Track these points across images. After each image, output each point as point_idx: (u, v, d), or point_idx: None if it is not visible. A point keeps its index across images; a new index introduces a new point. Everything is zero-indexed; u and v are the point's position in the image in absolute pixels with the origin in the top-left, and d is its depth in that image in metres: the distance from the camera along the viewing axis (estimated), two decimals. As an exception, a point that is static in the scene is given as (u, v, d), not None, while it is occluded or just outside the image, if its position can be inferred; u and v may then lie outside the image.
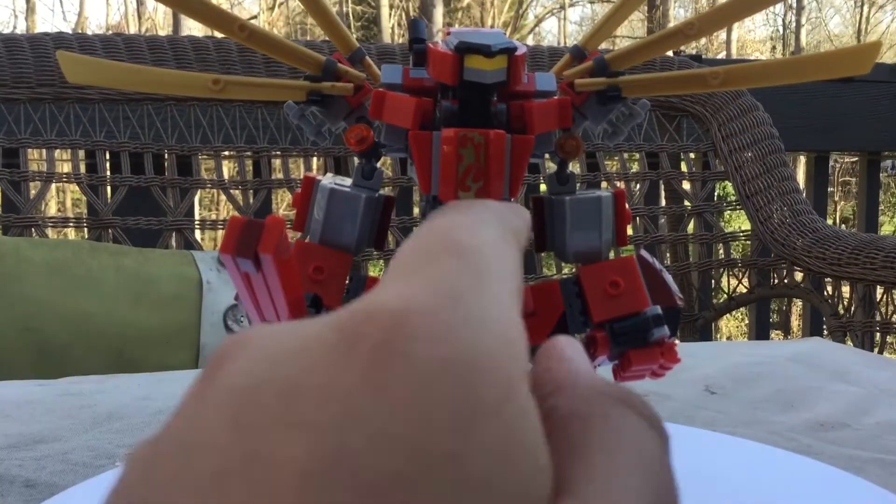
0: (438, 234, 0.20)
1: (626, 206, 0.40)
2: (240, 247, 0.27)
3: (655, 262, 0.39)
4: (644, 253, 0.40)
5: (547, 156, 0.40)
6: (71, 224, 1.43)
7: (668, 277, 0.39)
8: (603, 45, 0.42)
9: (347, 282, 0.39)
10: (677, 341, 0.39)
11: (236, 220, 0.27)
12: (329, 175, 0.41)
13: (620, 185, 1.56)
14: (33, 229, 1.31)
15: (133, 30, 9.98)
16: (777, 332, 4.68)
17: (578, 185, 1.68)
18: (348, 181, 0.40)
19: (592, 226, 0.39)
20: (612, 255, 0.40)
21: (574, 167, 1.61)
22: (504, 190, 0.36)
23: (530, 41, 11.56)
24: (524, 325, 0.21)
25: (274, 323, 0.19)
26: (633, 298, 0.38)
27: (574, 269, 0.40)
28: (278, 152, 1.43)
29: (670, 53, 2.68)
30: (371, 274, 0.40)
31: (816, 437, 0.64)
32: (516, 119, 0.37)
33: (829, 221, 1.55)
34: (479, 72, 0.35)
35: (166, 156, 1.41)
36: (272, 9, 11.10)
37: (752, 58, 10.84)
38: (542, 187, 1.52)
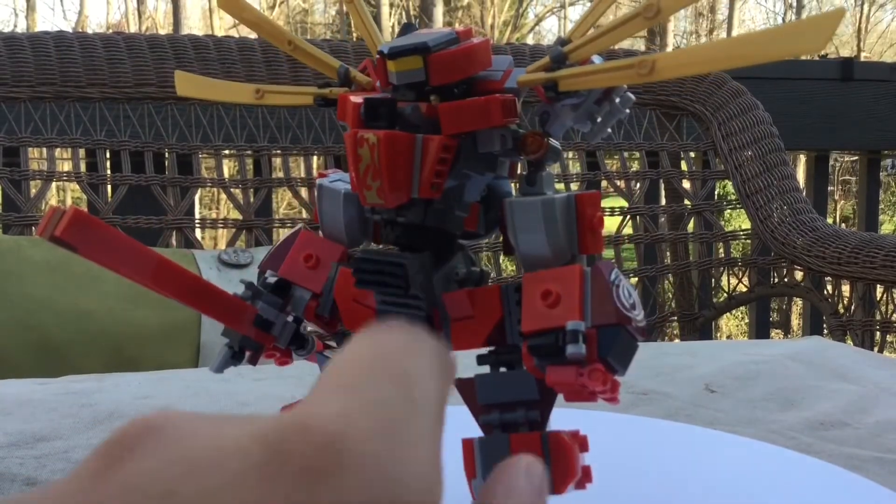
0: (379, 354, 0.20)
1: (594, 210, 0.37)
2: (44, 230, 0.33)
3: (612, 273, 0.35)
4: (603, 263, 0.36)
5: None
6: (71, 223, 1.42)
7: (622, 293, 0.35)
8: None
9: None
10: (617, 362, 0.34)
11: (50, 208, 0.33)
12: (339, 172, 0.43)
13: (620, 183, 1.56)
14: (34, 228, 1.31)
15: (133, 28, 9.98)
16: (777, 330, 4.68)
17: (578, 184, 1.65)
18: None
19: (534, 230, 0.37)
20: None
21: (574, 166, 1.61)
22: (410, 189, 0.36)
23: (530, 40, 11.55)
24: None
25: (191, 415, 0.17)
26: (563, 311, 0.35)
27: None
28: (278, 151, 1.43)
29: (670, 49, 2.68)
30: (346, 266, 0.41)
31: (816, 435, 0.64)
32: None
33: (829, 220, 1.55)
34: (392, 73, 0.37)
35: (167, 154, 1.41)
36: (273, 7, 11.10)
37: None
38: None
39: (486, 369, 0.39)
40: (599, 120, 0.38)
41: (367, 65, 0.42)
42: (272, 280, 0.41)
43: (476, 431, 0.43)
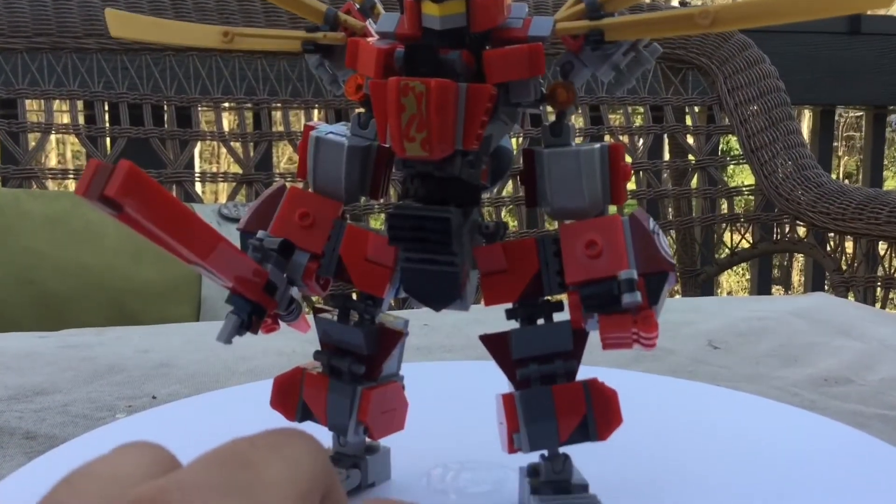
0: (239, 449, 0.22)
1: (624, 160, 0.37)
2: (89, 189, 0.28)
3: (650, 222, 0.36)
4: (639, 212, 0.37)
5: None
6: (70, 175, 1.42)
7: (662, 241, 0.36)
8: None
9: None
10: (658, 308, 0.35)
11: (91, 163, 0.28)
12: (334, 124, 0.41)
13: (624, 138, 1.54)
14: (33, 181, 1.30)
15: (131, -20, 9.87)
16: (778, 287, 4.69)
17: (581, 138, 1.65)
18: (347, 130, 0.40)
19: (572, 181, 0.37)
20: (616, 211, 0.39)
21: (577, 121, 1.60)
22: (455, 140, 0.34)
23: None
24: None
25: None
26: (610, 260, 0.35)
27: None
28: (279, 104, 1.42)
29: (675, 3, 2.64)
30: (354, 223, 0.39)
31: (820, 392, 0.64)
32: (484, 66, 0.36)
33: (833, 176, 1.53)
34: (431, 17, 0.35)
35: (165, 107, 1.39)
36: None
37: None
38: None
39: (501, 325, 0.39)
40: (625, 69, 0.37)
41: (350, 7, 0.40)
42: (269, 241, 0.38)
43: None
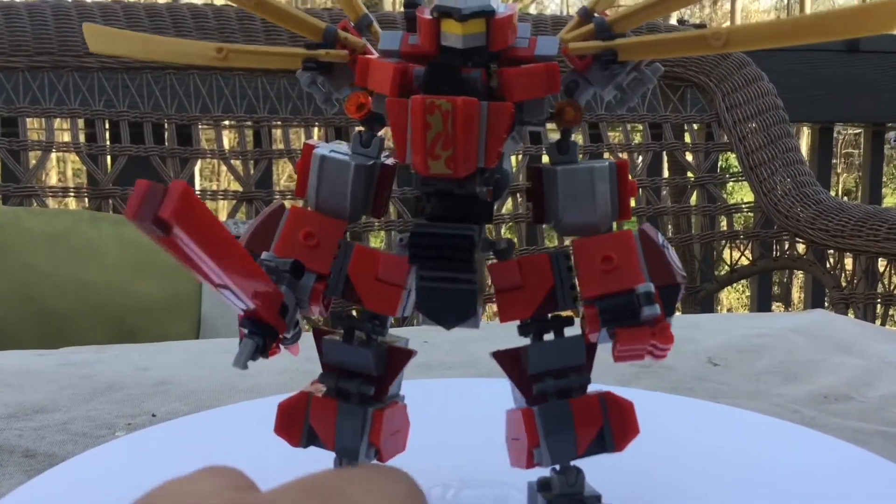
0: (334, 479, 0.22)
1: (630, 177, 0.38)
2: (140, 211, 0.26)
3: (659, 236, 0.37)
4: (647, 227, 0.38)
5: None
6: (71, 193, 1.42)
7: (671, 254, 0.37)
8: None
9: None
10: (671, 320, 0.36)
11: (140, 184, 0.26)
12: (332, 142, 0.41)
13: (623, 156, 1.55)
14: (33, 199, 1.30)
15: (132, -2, 9.90)
16: (778, 304, 4.68)
17: (582, 155, 1.65)
18: (348, 148, 0.40)
19: (585, 197, 0.37)
20: (615, 227, 0.39)
21: (577, 138, 1.60)
22: (478, 158, 0.35)
23: (532, 10, 11.44)
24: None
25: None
26: (626, 274, 0.36)
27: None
28: (279, 122, 1.42)
29: (674, 21, 2.64)
30: (360, 243, 0.39)
31: (820, 409, 0.64)
32: (503, 85, 0.36)
33: (832, 193, 1.54)
34: (453, 36, 0.35)
35: (166, 125, 1.40)
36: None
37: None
38: (546, 158, 1.51)
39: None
40: (628, 89, 0.38)
41: (346, 24, 0.40)
42: (281, 262, 0.37)
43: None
